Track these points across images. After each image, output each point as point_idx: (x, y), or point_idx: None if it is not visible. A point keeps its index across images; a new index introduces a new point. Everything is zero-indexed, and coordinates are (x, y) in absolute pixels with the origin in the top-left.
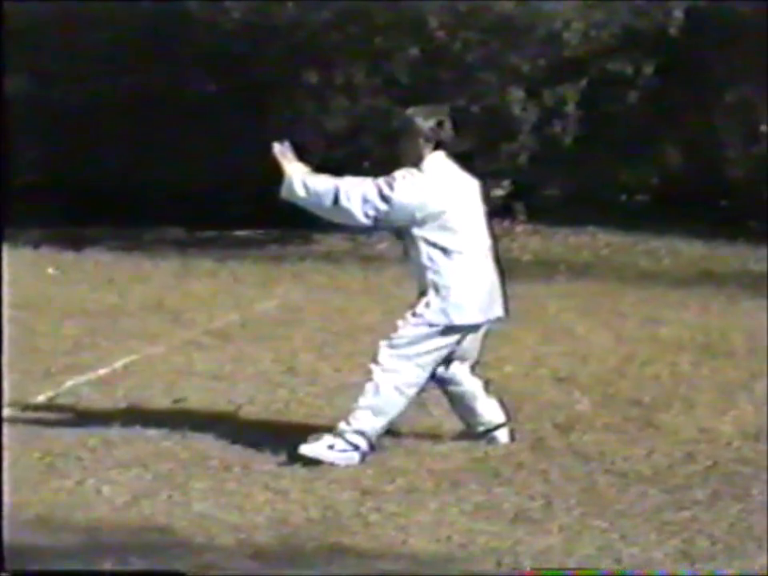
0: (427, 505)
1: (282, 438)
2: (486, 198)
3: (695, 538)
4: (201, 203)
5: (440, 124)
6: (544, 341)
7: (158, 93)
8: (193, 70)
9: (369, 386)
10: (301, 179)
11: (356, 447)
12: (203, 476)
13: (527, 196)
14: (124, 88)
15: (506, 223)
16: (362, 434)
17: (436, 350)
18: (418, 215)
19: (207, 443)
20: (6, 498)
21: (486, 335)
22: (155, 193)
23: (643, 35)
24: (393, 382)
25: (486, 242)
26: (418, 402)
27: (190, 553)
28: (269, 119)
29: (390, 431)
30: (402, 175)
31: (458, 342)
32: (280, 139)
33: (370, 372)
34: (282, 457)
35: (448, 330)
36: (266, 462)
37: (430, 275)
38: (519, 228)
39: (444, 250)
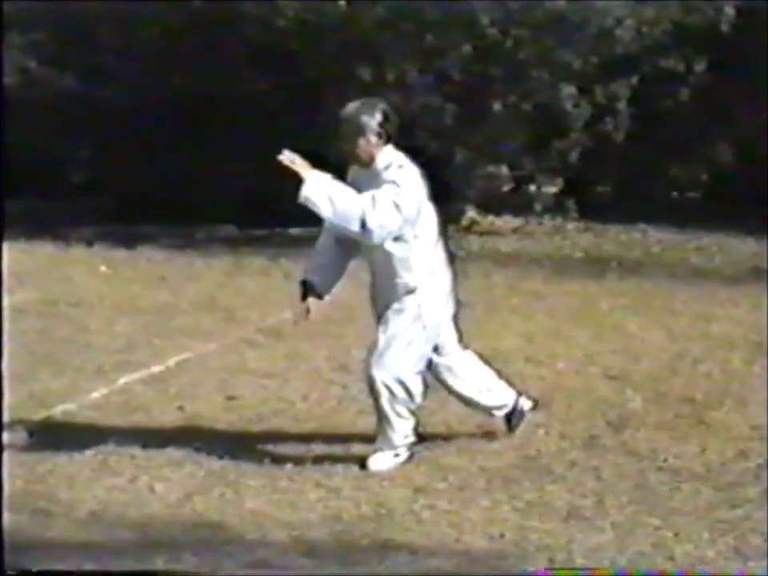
0: (479, 502)
1: (334, 435)
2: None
3: (747, 535)
4: (253, 201)
5: (386, 118)
6: (596, 338)
7: (210, 90)
8: (245, 67)
9: (383, 395)
10: (326, 195)
11: (409, 449)
12: (256, 473)
13: (579, 193)
14: (176, 86)
15: (558, 220)
16: (407, 437)
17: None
18: (416, 216)
19: (260, 441)
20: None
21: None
22: (207, 191)
23: (695, 32)
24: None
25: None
26: None
27: (242, 549)
28: (321, 116)
29: (442, 430)
30: (401, 178)
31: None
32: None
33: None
34: (335, 454)
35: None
36: (318, 460)
37: (410, 279)
38: (570, 225)
39: (424, 248)
